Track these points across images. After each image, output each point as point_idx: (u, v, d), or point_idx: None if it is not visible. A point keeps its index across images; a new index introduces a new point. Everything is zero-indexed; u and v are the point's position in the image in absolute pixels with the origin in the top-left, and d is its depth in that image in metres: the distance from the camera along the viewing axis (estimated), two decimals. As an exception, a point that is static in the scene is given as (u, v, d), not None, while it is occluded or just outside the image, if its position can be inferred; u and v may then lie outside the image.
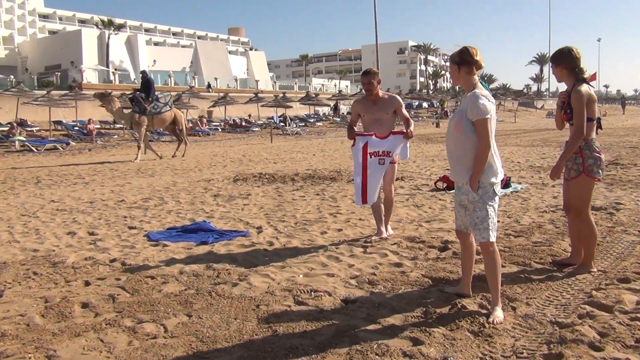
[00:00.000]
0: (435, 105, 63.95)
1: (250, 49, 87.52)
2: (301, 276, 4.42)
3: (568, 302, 3.54)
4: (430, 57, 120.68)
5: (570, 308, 3.41)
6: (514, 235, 5.55)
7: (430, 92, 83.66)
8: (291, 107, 37.44)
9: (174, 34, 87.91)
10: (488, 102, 3.25)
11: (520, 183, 9.63)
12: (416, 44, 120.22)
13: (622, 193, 8.13)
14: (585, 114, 3.99)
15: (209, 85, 49.74)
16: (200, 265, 4.83)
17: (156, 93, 17.70)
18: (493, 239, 3.31)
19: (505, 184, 9.14)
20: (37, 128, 27.40)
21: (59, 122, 28.29)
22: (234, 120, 35.56)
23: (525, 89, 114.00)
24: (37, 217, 7.57)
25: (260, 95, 40.18)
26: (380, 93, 5.43)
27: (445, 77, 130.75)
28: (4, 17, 64.62)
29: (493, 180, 3.30)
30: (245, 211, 7.69)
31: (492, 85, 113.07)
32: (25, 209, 8.19)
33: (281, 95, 39.98)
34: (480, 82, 3.37)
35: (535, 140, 22.26)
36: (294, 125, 34.90)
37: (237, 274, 4.53)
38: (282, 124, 34.62)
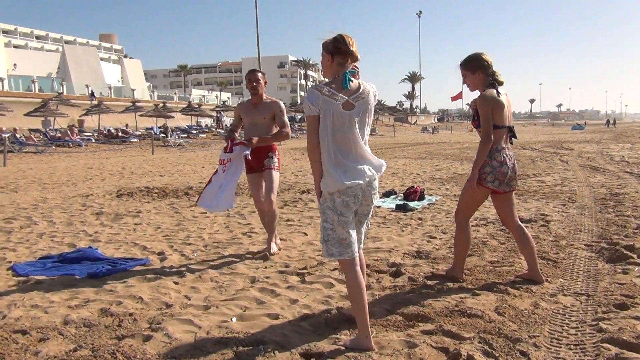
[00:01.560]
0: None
1: (125, 57, 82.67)
2: (234, 319, 3.39)
3: (580, 340, 2.91)
4: (310, 72, 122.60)
5: (590, 350, 2.77)
6: (461, 254, 4.96)
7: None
8: (173, 117, 35.44)
9: (37, 38, 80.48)
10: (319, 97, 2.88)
11: (431, 195, 9.28)
12: (296, 58, 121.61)
13: (538, 204, 8.01)
14: (492, 121, 3.85)
15: (92, 94, 45.75)
16: (93, 310, 3.62)
17: None
18: (327, 256, 2.97)
19: (420, 195, 8.75)
20: None
21: None
22: (109, 130, 32.75)
23: (398, 105, 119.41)
24: None
25: (137, 104, 37.61)
26: (264, 96, 5.20)
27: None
28: None
29: (325, 188, 2.92)
30: (138, 232, 6.42)
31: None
32: None
33: (161, 104, 37.77)
34: (347, 73, 2.96)
35: (421, 152, 22.75)
36: (176, 137, 32.94)
37: (146, 320, 3.40)
38: (162, 134, 32.53)
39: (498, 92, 3.88)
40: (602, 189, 9.57)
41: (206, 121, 48.84)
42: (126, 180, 12.87)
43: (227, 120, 48.74)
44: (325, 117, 2.87)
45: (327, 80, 3.03)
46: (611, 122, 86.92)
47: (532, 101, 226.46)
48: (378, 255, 5.01)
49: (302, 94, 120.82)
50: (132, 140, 30.61)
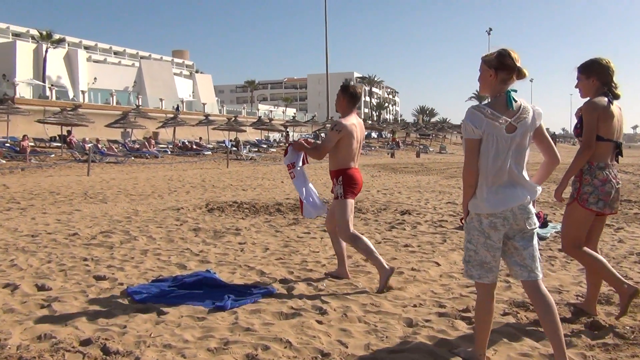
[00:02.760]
0: (384, 136, 63.68)
1: (196, 72, 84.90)
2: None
3: None
4: (374, 89, 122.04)
5: None
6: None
7: (375, 122, 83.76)
8: (245, 131, 35.63)
9: (115, 53, 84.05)
10: (476, 119, 2.72)
11: (551, 221, 8.30)
12: (361, 75, 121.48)
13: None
14: (595, 130, 3.46)
15: (177, 108, 47.18)
16: (237, 355, 2.99)
17: None
18: (466, 276, 2.94)
19: (543, 223, 7.80)
20: (-40, 143, 24.19)
21: (-14, 138, 25.17)
22: (183, 142, 33.24)
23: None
24: (-44, 258, 5.47)
25: (210, 118, 38.11)
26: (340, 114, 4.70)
27: (388, 109, 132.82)
28: None
29: (475, 210, 2.81)
30: (248, 254, 5.85)
31: (434, 119, 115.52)
32: None
33: (232, 118, 38.10)
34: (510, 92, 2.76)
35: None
36: (248, 150, 32.99)
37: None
38: (234, 148, 32.66)
39: (610, 102, 3.49)
40: None
41: (274, 136, 48.99)
42: (210, 194, 12.54)
43: (296, 135, 48.75)
44: (488, 141, 2.71)
45: (487, 97, 2.85)
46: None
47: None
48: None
49: (366, 110, 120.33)
50: (205, 153, 30.85)
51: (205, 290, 4.20)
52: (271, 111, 70.65)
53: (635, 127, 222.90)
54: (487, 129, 2.69)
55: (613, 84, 3.55)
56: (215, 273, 4.73)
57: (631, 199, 11.72)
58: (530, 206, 2.82)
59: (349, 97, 4.51)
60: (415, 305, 3.97)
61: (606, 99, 3.49)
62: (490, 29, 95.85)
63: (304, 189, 4.71)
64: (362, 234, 6.93)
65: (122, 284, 4.53)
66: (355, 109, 4.55)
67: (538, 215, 8.06)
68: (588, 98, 3.56)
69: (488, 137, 2.70)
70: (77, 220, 8.17)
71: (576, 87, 3.63)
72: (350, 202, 4.49)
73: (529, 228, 2.82)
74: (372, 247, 4.48)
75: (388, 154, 40.45)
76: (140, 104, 47.42)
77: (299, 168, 4.69)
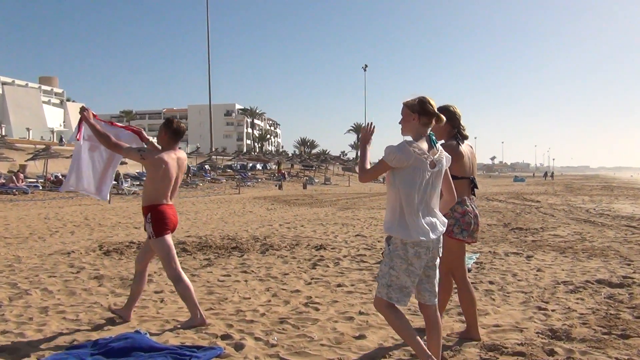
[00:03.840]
0: (268, 167, 63.57)
1: (67, 100, 79.42)
2: None
3: None
4: (256, 121, 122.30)
5: None
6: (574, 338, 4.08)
7: (260, 154, 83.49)
8: (125, 163, 33.45)
9: (-29, 78, 76.44)
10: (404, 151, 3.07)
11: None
12: (243, 107, 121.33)
13: (595, 263, 7.34)
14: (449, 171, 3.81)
15: (61, 139, 43.18)
16: None
17: None
18: (385, 297, 3.12)
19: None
20: None
21: None
22: (56, 176, 30.45)
23: (341, 155, 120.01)
24: None
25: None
26: None
27: (270, 140, 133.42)
28: None
29: (405, 237, 3.07)
30: (170, 305, 5.16)
31: (315, 150, 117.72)
32: None
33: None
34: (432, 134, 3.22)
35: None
36: (129, 184, 31.03)
37: None
38: (114, 182, 30.54)
39: (459, 143, 3.92)
40: (636, 245, 9.09)
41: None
42: (100, 234, 11.39)
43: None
44: (415, 173, 3.05)
45: (408, 137, 3.17)
46: (549, 174, 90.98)
47: (492, 159, 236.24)
48: (510, 338, 4.04)
49: (248, 142, 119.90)
50: (82, 187, 28.47)
51: (139, 357, 3.53)
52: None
53: (493, 158, 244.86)
54: (415, 163, 3.03)
55: (461, 127, 4.00)
56: (146, 333, 4.04)
57: (521, 226, 12.45)
58: (441, 237, 3.21)
59: (171, 132, 4.42)
60: (385, 357, 3.63)
61: (455, 142, 3.92)
62: (366, 66, 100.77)
63: (75, 164, 4.65)
64: (286, 274, 6.54)
65: (27, 356, 3.70)
66: (177, 144, 4.48)
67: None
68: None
69: (415, 170, 3.04)
70: (-56, 272, 6.85)
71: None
72: (167, 240, 4.33)
73: (439, 257, 3.21)
74: (192, 291, 4.37)
75: (276, 185, 40.23)
76: (4, 133, 43.09)
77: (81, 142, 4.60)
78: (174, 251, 4.40)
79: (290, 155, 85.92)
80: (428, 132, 3.15)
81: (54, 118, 64.39)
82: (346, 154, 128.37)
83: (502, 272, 6.78)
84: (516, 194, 29.75)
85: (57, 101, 79.10)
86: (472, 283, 6.12)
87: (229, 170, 54.70)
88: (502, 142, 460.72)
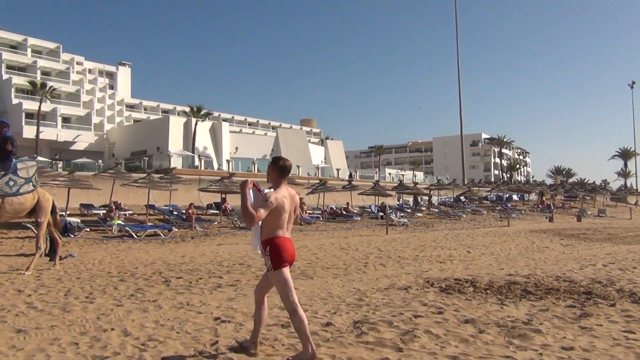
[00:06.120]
0: (526, 198, 59.43)
1: (326, 139, 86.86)
2: None
3: None
4: (504, 150, 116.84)
5: None
6: None
7: (518, 184, 78.82)
8: (391, 195, 34.43)
9: (249, 124, 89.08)
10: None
11: None
12: (489, 136, 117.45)
13: None
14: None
15: (350, 175, 48.47)
16: None
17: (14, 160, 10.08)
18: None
19: None
20: (131, 212, 25.35)
21: (151, 206, 26.20)
22: (331, 208, 32.74)
23: (602, 184, 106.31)
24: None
25: (353, 183, 37.60)
26: None
27: (520, 170, 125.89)
28: (97, 106, 66.20)
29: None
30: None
31: (571, 180, 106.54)
32: (187, 332, 5.12)
33: (372, 183, 37.30)
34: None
35: None
36: (396, 215, 31.60)
37: None
38: (381, 213, 31.44)
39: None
40: None
41: (408, 201, 47.15)
42: (413, 267, 11.13)
43: (435, 199, 46.77)
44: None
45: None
46: None
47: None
48: None
49: (496, 172, 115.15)
50: (355, 218, 29.96)
51: None
52: (403, 175, 69.32)
53: None
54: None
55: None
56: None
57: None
58: None
59: (278, 170, 4.66)
60: None
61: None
62: (634, 82, 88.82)
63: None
64: None
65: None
66: (285, 180, 4.69)
67: None
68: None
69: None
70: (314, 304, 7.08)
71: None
72: (284, 272, 4.45)
73: None
74: (305, 325, 4.44)
75: (546, 218, 36.93)
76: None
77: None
78: (291, 283, 4.51)
79: (549, 184, 79.44)
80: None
81: (316, 155, 70.63)
82: (609, 183, 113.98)
83: None
84: None
85: (316, 140, 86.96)
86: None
87: (484, 202, 52.61)
88: None
